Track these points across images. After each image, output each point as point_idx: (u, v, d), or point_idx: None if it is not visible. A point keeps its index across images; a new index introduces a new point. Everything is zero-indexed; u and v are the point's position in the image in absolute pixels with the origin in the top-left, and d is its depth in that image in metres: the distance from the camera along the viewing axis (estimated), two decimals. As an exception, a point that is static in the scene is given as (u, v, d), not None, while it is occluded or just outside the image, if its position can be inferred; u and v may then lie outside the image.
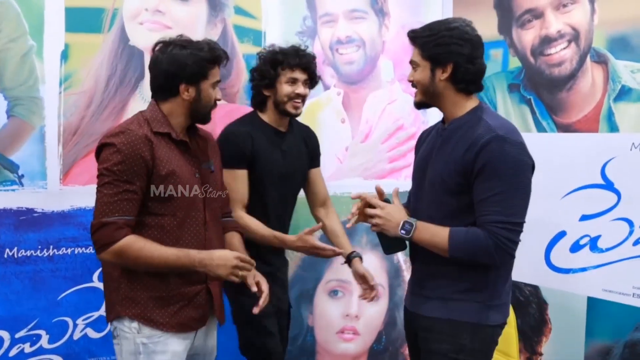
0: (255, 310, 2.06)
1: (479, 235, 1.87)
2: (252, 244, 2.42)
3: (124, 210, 1.91)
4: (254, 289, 2.10)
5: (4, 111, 2.40)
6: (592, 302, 2.68)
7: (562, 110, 2.79)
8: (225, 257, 1.96)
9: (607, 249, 2.63)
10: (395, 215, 2.01)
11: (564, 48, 2.76)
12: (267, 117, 2.54)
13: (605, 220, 2.63)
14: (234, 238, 2.27)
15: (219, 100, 2.10)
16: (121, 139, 1.92)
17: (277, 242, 2.45)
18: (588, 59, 2.68)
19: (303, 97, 2.50)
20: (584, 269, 2.70)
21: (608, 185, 2.62)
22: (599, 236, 2.65)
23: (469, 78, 1.96)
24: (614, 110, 2.60)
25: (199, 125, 2.17)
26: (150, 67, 2.04)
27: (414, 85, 2.07)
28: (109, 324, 2.05)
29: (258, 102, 2.56)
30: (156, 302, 2.00)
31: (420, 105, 2.10)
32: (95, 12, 2.56)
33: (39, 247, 2.47)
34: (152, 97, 2.06)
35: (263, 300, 2.08)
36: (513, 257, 1.92)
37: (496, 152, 1.85)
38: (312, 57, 2.52)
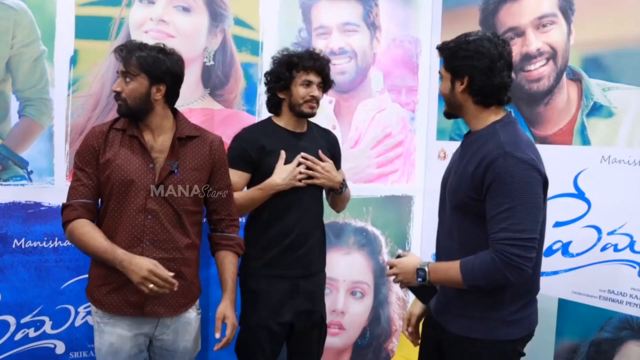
0: (215, 347, 2.20)
1: (487, 258, 1.85)
2: (266, 251, 2.48)
3: (79, 194, 2.15)
4: (217, 335, 2.21)
5: (16, 111, 2.49)
6: (563, 304, 2.80)
7: (539, 123, 2.91)
8: (139, 266, 2.02)
9: (577, 254, 2.76)
10: (408, 265, 2.02)
11: (543, 65, 2.88)
12: (282, 120, 2.55)
13: (576, 227, 2.76)
14: (226, 258, 2.33)
15: (114, 90, 2.18)
16: (85, 135, 2.23)
17: (266, 192, 2.45)
18: (564, 76, 2.81)
19: (317, 100, 2.52)
20: (555, 272, 2.82)
21: (579, 195, 2.75)
22: (570, 242, 2.78)
23: (486, 91, 1.96)
24: (587, 125, 2.73)
25: (199, 127, 2.32)
26: None
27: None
28: None
29: (273, 104, 2.57)
30: (97, 279, 2.18)
31: (447, 115, 2.12)
32: (104, 21, 2.64)
33: (45, 238, 2.56)
34: None
35: (222, 345, 2.20)
36: (527, 272, 1.85)
37: (502, 168, 1.84)
38: (326, 61, 2.54)
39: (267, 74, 2.59)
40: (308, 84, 2.49)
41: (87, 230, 2.10)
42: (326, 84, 2.57)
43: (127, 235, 2.15)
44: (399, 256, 2.10)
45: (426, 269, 1.99)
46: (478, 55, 1.94)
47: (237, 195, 2.46)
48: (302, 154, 2.51)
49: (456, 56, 1.97)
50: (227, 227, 2.38)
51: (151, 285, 2.01)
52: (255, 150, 2.49)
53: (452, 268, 1.93)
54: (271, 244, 2.52)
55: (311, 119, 2.65)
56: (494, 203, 1.85)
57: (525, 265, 1.83)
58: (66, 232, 2.15)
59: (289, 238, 2.51)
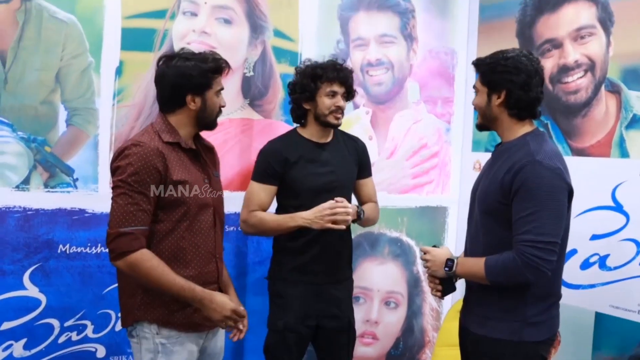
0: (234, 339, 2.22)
1: (510, 257, 1.96)
2: (295, 257, 2.53)
3: (139, 221, 1.97)
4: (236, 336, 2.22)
5: (64, 120, 2.56)
6: (600, 317, 2.79)
7: (577, 135, 2.91)
8: (222, 306, 2.02)
9: (615, 268, 2.74)
10: (440, 256, 2.17)
11: (581, 77, 2.88)
12: (307, 131, 2.59)
13: (614, 240, 2.74)
14: None
15: (224, 106, 2.18)
16: (135, 151, 1.98)
17: (292, 222, 2.46)
18: (603, 88, 2.80)
19: (342, 110, 2.56)
20: (592, 286, 2.81)
21: (618, 208, 2.73)
22: (607, 255, 2.77)
23: (522, 105, 2.06)
24: (625, 137, 2.72)
25: (203, 137, 2.25)
26: (157, 81, 2.11)
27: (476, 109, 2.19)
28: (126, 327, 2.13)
29: (298, 115, 2.61)
30: (174, 305, 2.05)
31: (480, 127, 2.22)
32: (148, 33, 2.71)
33: (89, 244, 2.62)
34: (160, 110, 2.14)
35: (238, 335, 2.22)
36: (546, 274, 1.96)
37: (530, 175, 1.95)
38: (349, 72, 2.59)
39: (291, 85, 2.62)
40: (333, 94, 2.53)
41: (155, 264, 1.97)
42: (349, 94, 2.61)
43: (203, 253, 2.13)
44: (434, 246, 2.25)
45: (455, 260, 2.14)
46: (516, 70, 2.05)
47: (267, 217, 2.54)
48: (337, 199, 2.45)
49: (494, 71, 2.08)
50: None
51: (230, 323, 2.06)
52: (279, 163, 2.54)
53: (478, 264, 2.06)
54: (299, 251, 2.56)
55: (341, 128, 2.68)
56: (520, 207, 1.96)
57: (544, 267, 1.94)
58: (124, 262, 1.97)
59: (316, 248, 2.55)
